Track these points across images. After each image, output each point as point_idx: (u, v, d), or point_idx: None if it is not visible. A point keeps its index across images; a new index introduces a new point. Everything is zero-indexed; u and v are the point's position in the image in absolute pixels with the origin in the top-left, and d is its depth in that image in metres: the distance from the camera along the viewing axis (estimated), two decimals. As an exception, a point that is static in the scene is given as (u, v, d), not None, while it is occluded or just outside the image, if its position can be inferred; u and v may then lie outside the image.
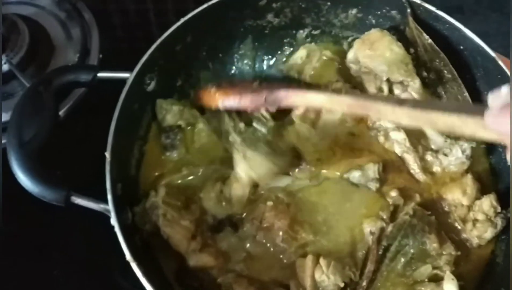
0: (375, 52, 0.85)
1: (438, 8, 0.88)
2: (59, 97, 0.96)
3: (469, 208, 0.79)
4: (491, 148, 0.86)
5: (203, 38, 0.90)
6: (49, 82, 0.75)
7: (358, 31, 0.94)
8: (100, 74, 0.80)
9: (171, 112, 0.83)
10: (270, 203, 0.77)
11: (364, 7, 0.91)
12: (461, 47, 0.86)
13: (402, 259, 0.74)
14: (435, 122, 0.55)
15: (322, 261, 0.72)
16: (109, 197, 0.70)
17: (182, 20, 0.84)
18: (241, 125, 0.84)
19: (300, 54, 0.93)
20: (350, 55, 0.89)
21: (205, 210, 0.79)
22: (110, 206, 0.69)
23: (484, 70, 0.84)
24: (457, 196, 0.79)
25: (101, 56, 1.08)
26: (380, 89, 0.86)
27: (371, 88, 0.87)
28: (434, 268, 0.74)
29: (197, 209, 0.78)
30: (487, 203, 0.78)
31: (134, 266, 0.66)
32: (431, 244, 0.74)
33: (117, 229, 0.68)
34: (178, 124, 0.83)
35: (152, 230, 0.75)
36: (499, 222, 0.77)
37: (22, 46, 1.01)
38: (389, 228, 0.76)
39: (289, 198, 0.79)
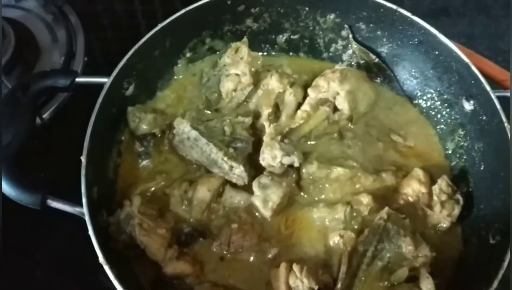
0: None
1: (424, 11, 0.89)
2: (47, 100, 1.01)
3: (430, 194, 0.81)
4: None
5: (182, 43, 0.91)
6: (27, 87, 0.76)
7: (337, 35, 0.95)
8: (78, 79, 0.81)
9: (145, 121, 0.83)
10: (235, 225, 0.78)
11: (342, 12, 0.92)
12: (436, 52, 0.87)
13: (379, 263, 0.75)
14: None
15: (295, 266, 0.73)
16: (84, 200, 0.71)
17: (160, 25, 0.85)
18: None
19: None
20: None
21: (179, 218, 0.80)
22: (85, 209, 0.70)
23: (458, 75, 0.85)
24: (415, 187, 0.81)
25: (86, 58, 1.09)
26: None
27: None
28: (410, 270, 0.75)
29: (172, 217, 0.79)
30: (444, 183, 0.80)
31: (107, 269, 0.68)
32: (407, 247, 0.75)
33: (90, 232, 0.69)
34: (152, 132, 0.84)
35: (128, 240, 0.75)
36: (459, 197, 0.80)
37: (8, 49, 1.02)
38: (365, 233, 0.77)
39: (252, 217, 0.80)
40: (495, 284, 0.68)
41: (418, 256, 0.75)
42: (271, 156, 0.78)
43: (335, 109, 0.86)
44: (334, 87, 0.85)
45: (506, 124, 0.76)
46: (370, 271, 0.75)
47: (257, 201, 0.78)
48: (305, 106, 0.85)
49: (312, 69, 0.95)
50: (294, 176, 0.81)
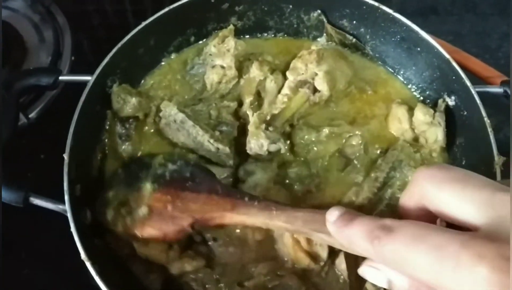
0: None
1: (413, 10, 0.90)
2: (33, 99, 1.01)
3: (412, 129, 0.84)
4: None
5: (167, 41, 0.92)
6: (10, 85, 0.77)
7: (321, 33, 0.96)
8: (62, 77, 0.81)
9: (129, 104, 0.82)
10: None
11: (325, 10, 0.93)
12: (418, 49, 0.88)
13: (389, 190, 0.77)
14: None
15: None
16: (66, 197, 0.71)
17: (144, 23, 0.85)
18: None
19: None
20: None
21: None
22: (67, 206, 0.71)
23: (440, 71, 0.86)
24: (397, 126, 0.84)
25: (73, 58, 1.10)
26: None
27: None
28: None
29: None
30: (419, 113, 0.83)
31: (88, 265, 0.68)
32: None
33: (72, 229, 0.70)
34: (136, 116, 0.84)
35: (131, 252, 0.74)
36: (439, 118, 0.82)
37: (1, 48, 1.02)
38: (379, 161, 0.80)
39: None
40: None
41: None
42: (258, 145, 0.79)
43: (315, 90, 0.87)
44: (311, 68, 0.86)
45: (486, 119, 0.77)
46: (381, 195, 0.77)
47: (245, 188, 0.78)
48: (285, 90, 0.86)
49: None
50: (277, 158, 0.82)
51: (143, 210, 0.72)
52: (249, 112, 0.82)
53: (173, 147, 0.83)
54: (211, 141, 0.80)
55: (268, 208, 0.67)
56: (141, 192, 0.74)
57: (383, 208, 0.76)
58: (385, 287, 0.42)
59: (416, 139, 0.84)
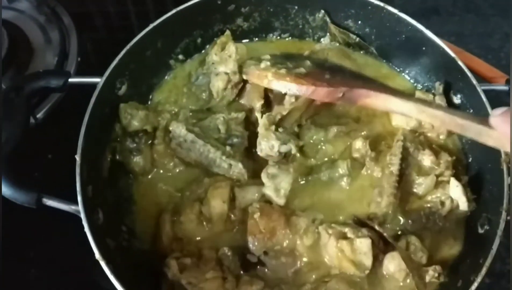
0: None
1: (414, 11, 0.90)
2: (41, 99, 1.01)
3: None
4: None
5: (174, 43, 0.92)
6: (20, 88, 0.78)
7: (326, 33, 0.97)
8: (71, 80, 0.82)
9: (136, 117, 0.83)
10: (256, 214, 0.78)
11: (331, 10, 0.94)
12: (423, 48, 0.88)
13: (409, 179, 0.80)
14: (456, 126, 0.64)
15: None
16: (79, 198, 0.72)
17: (151, 25, 0.86)
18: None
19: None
20: None
21: (212, 244, 0.79)
22: (80, 207, 0.72)
23: (446, 70, 0.87)
24: (399, 117, 0.86)
25: (79, 59, 1.10)
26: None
27: None
28: (437, 176, 0.80)
29: (211, 252, 0.78)
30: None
31: (103, 264, 0.69)
32: (428, 157, 0.81)
33: (86, 229, 0.71)
34: (144, 129, 0.84)
35: None
36: (440, 101, 0.84)
37: (1, 50, 1.03)
38: (387, 157, 0.81)
39: (269, 204, 0.80)
40: (484, 271, 0.70)
41: (440, 163, 0.80)
42: (269, 146, 0.80)
43: None
44: None
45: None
46: (402, 187, 0.79)
47: (268, 191, 0.79)
48: None
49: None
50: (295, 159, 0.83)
51: (300, 70, 0.79)
52: (258, 115, 0.83)
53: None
54: (223, 158, 0.81)
55: (425, 102, 0.70)
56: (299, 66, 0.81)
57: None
58: None
59: (422, 127, 0.85)
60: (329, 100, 0.76)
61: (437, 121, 0.66)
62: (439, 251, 0.78)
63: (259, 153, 0.81)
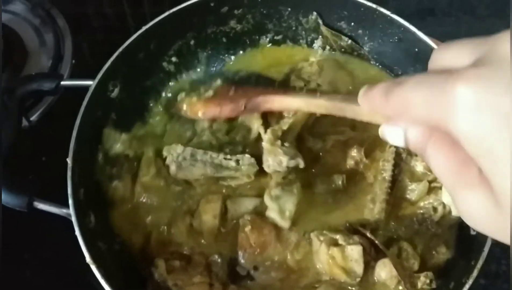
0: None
1: (410, 11, 0.90)
2: (35, 101, 1.02)
3: None
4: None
5: (167, 45, 0.92)
6: (12, 91, 0.78)
7: (319, 34, 0.97)
8: (63, 82, 0.82)
9: (119, 140, 0.82)
10: (247, 227, 0.77)
11: (323, 12, 0.94)
12: (416, 49, 0.88)
13: (400, 185, 0.80)
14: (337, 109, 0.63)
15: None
16: (70, 202, 0.72)
17: (144, 28, 0.86)
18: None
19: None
20: None
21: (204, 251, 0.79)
22: (71, 210, 0.72)
23: (438, 72, 0.86)
24: None
25: (73, 61, 1.10)
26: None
27: None
28: (430, 182, 0.80)
29: (200, 257, 0.78)
30: None
31: (93, 268, 0.69)
32: (421, 163, 0.80)
33: (77, 233, 0.71)
34: (126, 154, 0.83)
35: None
36: None
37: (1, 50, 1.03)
38: (380, 163, 0.81)
39: (261, 217, 0.79)
40: (475, 273, 0.70)
41: None
42: (277, 162, 0.78)
43: None
44: (315, 80, 0.87)
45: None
46: (395, 193, 0.79)
47: (273, 214, 0.77)
48: None
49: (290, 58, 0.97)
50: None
51: (209, 93, 0.81)
52: (261, 130, 0.81)
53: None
54: (228, 157, 0.80)
55: (312, 93, 0.69)
56: (211, 85, 0.85)
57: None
58: (402, 144, 0.44)
59: None
60: (235, 115, 0.78)
61: (323, 109, 0.65)
62: (432, 256, 0.78)
63: (266, 169, 0.79)
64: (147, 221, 0.81)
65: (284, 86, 0.91)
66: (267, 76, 0.94)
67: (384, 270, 0.74)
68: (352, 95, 0.56)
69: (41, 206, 0.74)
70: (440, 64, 0.43)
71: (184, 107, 0.81)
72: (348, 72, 0.93)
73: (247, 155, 0.81)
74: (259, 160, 0.81)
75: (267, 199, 0.78)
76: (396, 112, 0.43)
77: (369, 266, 0.75)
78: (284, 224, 0.77)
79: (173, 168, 0.81)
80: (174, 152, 0.81)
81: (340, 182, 0.82)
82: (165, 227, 0.80)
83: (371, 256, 0.76)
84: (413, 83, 0.40)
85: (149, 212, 0.82)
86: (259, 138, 0.83)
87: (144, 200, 0.82)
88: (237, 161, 0.81)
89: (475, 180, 0.37)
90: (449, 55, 0.42)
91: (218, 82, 0.86)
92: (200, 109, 0.79)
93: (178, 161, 0.81)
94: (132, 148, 0.84)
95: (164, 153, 0.82)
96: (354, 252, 0.74)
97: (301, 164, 0.79)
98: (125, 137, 0.84)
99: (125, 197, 0.82)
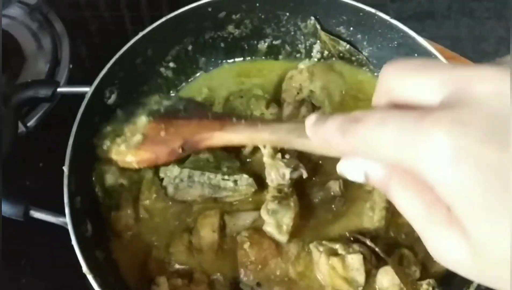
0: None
1: (410, 15, 0.90)
2: (31, 107, 1.01)
3: None
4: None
5: (165, 51, 0.92)
6: (8, 98, 0.77)
7: (317, 39, 0.96)
8: (60, 89, 0.81)
9: (110, 170, 0.80)
10: (246, 244, 0.76)
11: (322, 17, 0.93)
12: (416, 54, 0.88)
13: None
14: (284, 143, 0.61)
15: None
16: (67, 210, 0.72)
17: (141, 33, 0.85)
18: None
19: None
20: None
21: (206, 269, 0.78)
22: (67, 219, 0.71)
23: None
24: None
25: (71, 66, 1.10)
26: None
27: None
28: None
29: (202, 275, 0.76)
30: None
31: (90, 278, 0.68)
32: None
33: (73, 242, 0.70)
34: (120, 183, 0.81)
35: None
36: None
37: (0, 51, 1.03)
38: None
39: (259, 232, 0.78)
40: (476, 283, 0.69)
41: None
42: (280, 175, 0.76)
43: (314, 107, 0.87)
44: (307, 87, 0.86)
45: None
46: None
47: (270, 228, 0.76)
48: (286, 112, 0.86)
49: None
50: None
51: (137, 137, 0.76)
52: (260, 145, 0.79)
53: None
54: (226, 177, 0.79)
55: (254, 124, 0.67)
56: (136, 124, 0.77)
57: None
58: (362, 181, 0.42)
59: None
60: (174, 159, 0.75)
61: (267, 143, 0.64)
62: (433, 264, 0.77)
63: (270, 183, 0.78)
64: (147, 243, 0.80)
65: (226, 109, 0.89)
66: (196, 101, 0.88)
67: (386, 278, 0.73)
68: (300, 123, 0.51)
69: (38, 215, 0.73)
70: (400, 95, 0.39)
71: (114, 157, 0.76)
72: (339, 74, 0.93)
73: (245, 175, 0.79)
74: (256, 175, 0.81)
75: (263, 214, 0.77)
76: (355, 151, 0.40)
77: (370, 275, 0.74)
78: (282, 238, 0.76)
79: (170, 189, 0.80)
80: (171, 174, 0.80)
81: (337, 188, 0.80)
82: (164, 247, 0.79)
83: (372, 264, 0.75)
84: (378, 121, 0.37)
85: (150, 234, 0.80)
86: (255, 150, 0.82)
87: (146, 223, 0.81)
88: (235, 182, 0.79)
89: (444, 220, 0.35)
90: (412, 85, 0.38)
91: (143, 119, 0.77)
92: (132, 159, 0.75)
93: (175, 183, 0.80)
94: (126, 177, 0.81)
95: (161, 174, 0.81)
96: (355, 261, 0.73)
97: (305, 174, 0.78)
98: (115, 168, 0.80)
99: (128, 225, 0.80)
